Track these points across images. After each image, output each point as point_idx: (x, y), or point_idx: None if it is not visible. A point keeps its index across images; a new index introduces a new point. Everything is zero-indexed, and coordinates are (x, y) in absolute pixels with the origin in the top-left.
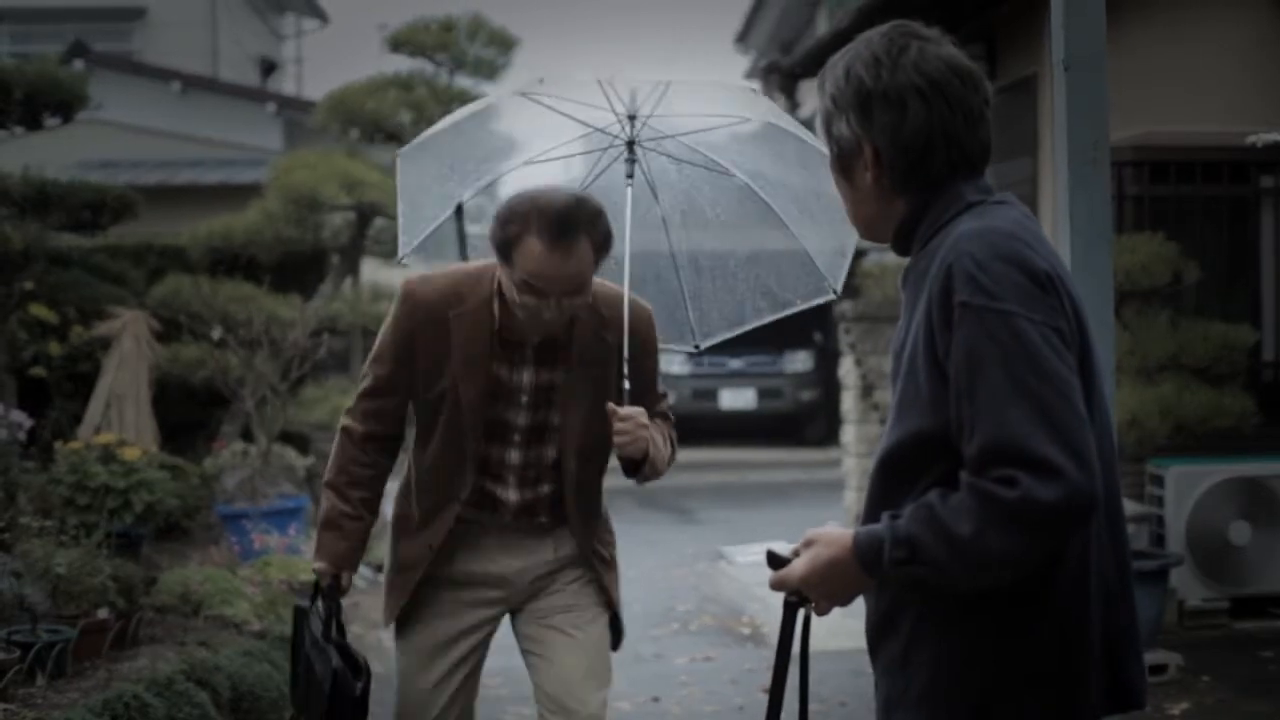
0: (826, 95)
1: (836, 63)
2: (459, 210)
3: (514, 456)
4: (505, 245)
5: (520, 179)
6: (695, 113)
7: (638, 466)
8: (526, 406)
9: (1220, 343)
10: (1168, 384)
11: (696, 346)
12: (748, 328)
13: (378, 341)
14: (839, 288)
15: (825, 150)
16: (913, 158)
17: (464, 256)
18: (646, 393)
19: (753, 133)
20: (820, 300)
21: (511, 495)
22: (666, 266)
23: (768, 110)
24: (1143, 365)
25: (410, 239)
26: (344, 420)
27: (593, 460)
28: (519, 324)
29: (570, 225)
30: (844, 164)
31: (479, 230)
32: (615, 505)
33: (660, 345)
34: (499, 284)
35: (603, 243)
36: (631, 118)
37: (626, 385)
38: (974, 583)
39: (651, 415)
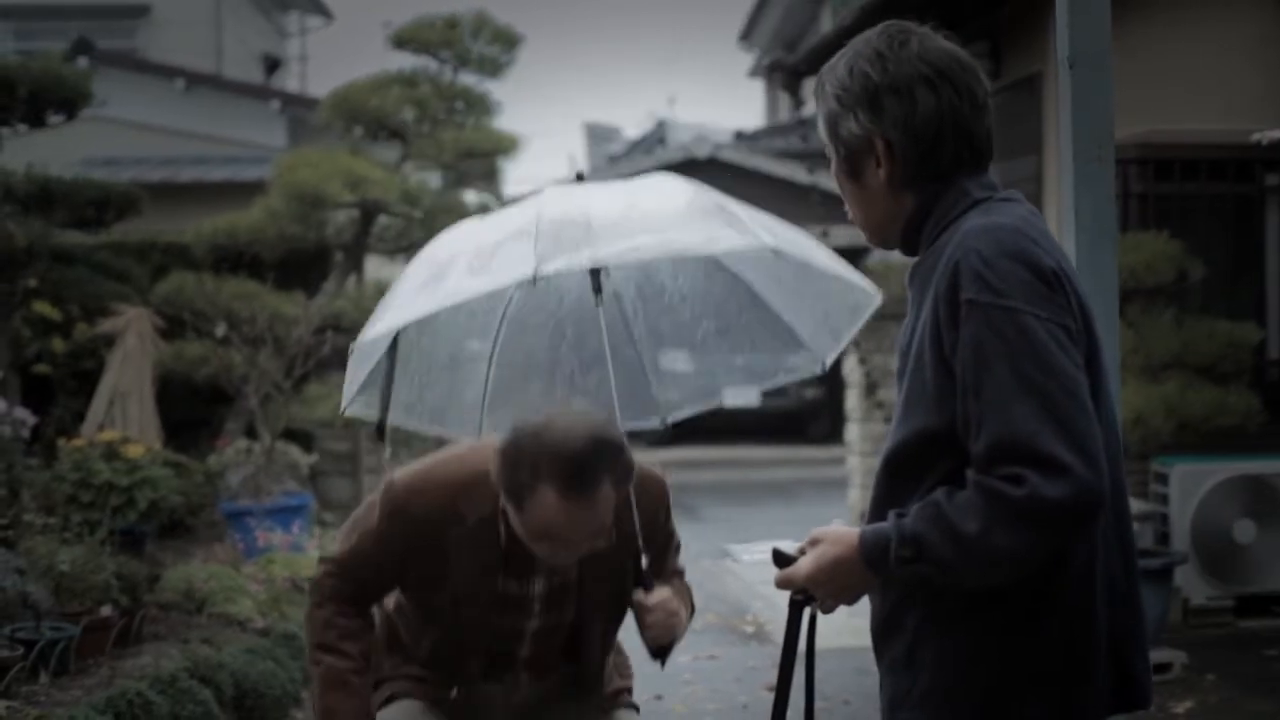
0: (830, 97)
1: (835, 65)
2: (394, 342)
3: (524, 650)
4: (516, 493)
5: (458, 293)
6: (668, 246)
7: (666, 651)
8: (539, 614)
9: (1225, 341)
10: (1172, 382)
11: (663, 421)
12: (725, 401)
13: (355, 540)
14: (828, 362)
15: (813, 244)
16: (924, 148)
17: (387, 387)
18: (663, 557)
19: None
20: (806, 374)
21: (522, 677)
22: (622, 340)
23: (758, 244)
24: (1147, 363)
25: (351, 389)
26: (311, 591)
27: (616, 631)
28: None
29: (590, 472)
30: (852, 165)
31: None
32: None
33: (623, 426)
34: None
35: (624, 478)
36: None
37: (645, 562)
38: (981, 581)
39: (668, 577)
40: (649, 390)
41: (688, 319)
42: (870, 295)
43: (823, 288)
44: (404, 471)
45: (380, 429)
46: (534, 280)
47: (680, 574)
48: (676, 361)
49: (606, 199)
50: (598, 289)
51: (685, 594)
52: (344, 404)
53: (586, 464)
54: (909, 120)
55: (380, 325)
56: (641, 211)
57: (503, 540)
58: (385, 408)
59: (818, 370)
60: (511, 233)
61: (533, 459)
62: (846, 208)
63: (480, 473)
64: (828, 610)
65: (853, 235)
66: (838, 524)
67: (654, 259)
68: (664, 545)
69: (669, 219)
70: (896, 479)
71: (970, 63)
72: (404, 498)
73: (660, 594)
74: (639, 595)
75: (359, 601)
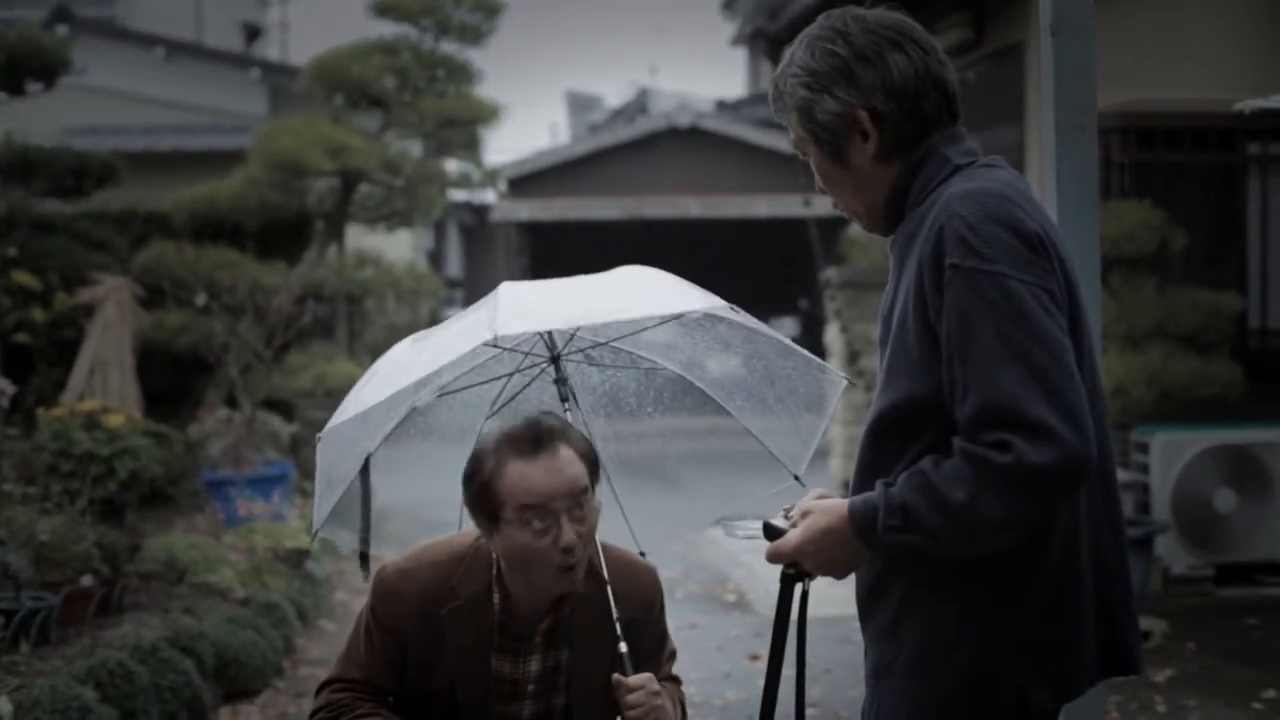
0: (797, 88)
1: (792, 60)
2: (366, 464)
3: None
4: (486, 493)
5: (435, 410)
6: (622, 312)
7: None
8: (532, 695)
9: (1207, 310)
10: (1154, 351)
11: (641, 554)
12: (704, 523)
13: (352, 640)
14: (801, 473)
15: (778, 337)
16: (908, 106)
17: (366, 515)
18: (653, 658)
19: (689, 323)
20: (780, 488)
21: None
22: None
23: (710, 304)
24: (1129, 333)
25: (322, 511)
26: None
27: None
28: (524, 608)
29: (543, 434)
30: (836, 148)
31: (386, 485)
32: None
33: None
34: (497, 568)
35: (587, 451)
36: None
37: (623, 648)
38: (970, 549)
39: (659, 680)
40: (625, 524)
41: (658, 448)
42: (836, 382)
43: (788, 387)
44: (392, 559)
45: (364, 559)
46: (495, 343)
47: (674, 681)
48: (648, 489)
49: (566, 283)
50: (564, 398)
51: (676, 697)
52: (315, 525)
53: (537, 427)
54: (887, 82)
55: (350, 410)
56: (601, 289)
57: (497, 614)
58: (366, 540)
59: (791, 483)
60: (471, 318)
61: (489, 449)
62: (836, 203)
63: (469, 548)
64: (812, 577)
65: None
66: (816, 491)
67: (613, 321)
68: (657, 646)
69: (631, 293)
70: (881, 446)
71: (917, 24)
72: (394, 580)
73: (642, 676)
74: (617, 676)
75: (370, 700)
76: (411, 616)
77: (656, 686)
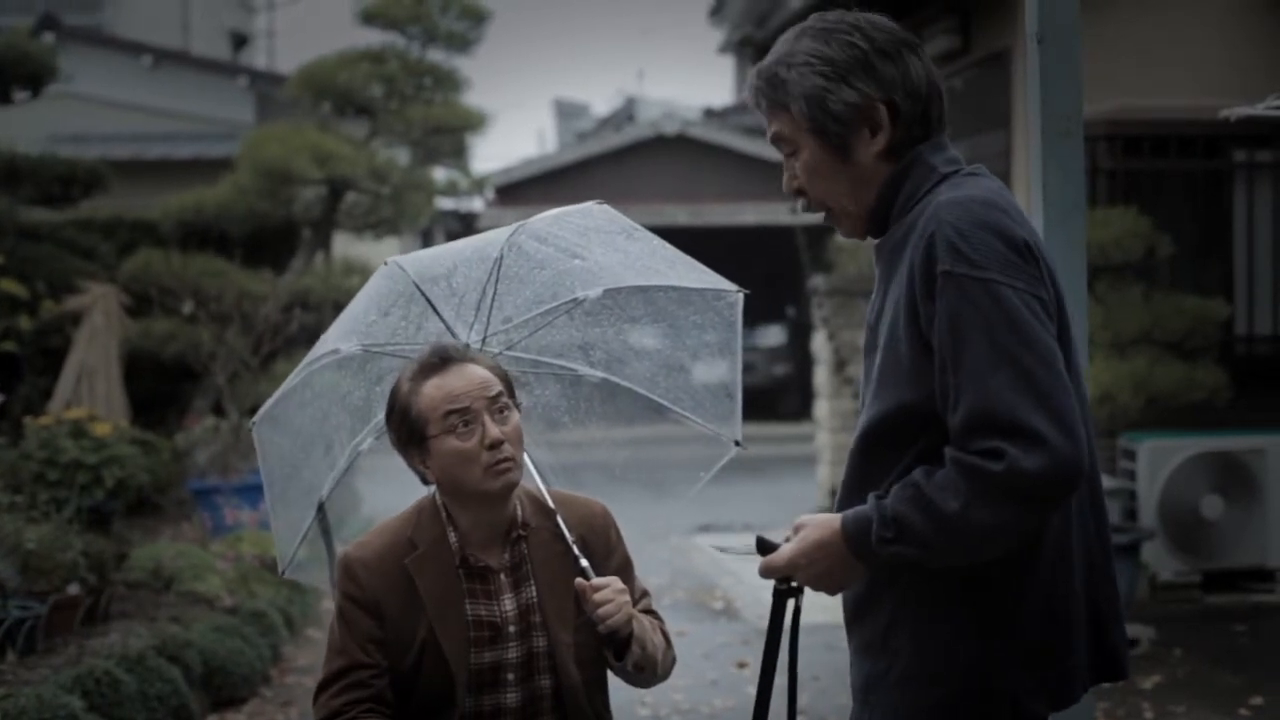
0: (810, 74)
1: (795, 49)
2: (321, 509)
3: (510, 700)
4: (408, 418)
5: (374, 454)
6: (526, 313)
7: (626, 645)
8: (515, 637)
9: (1193, 317)
10: (1140, 358)
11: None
12: (673, 524)
13: (330, 635)
14: (739, 436)
15: (672, 282)
16: (921, 106)
17: (331, 556)
18: (626, 580)
19: (592, 309)
20: (724, 460)
21: None
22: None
23: (604, 242)
24: (1115, 339)
25: (286, 552)
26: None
27: (594, 667)
28: (478, 541)
29: (451, 353)
30: (842, 141)
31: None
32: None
33: None
34: (445, 511)
35: (495, 368)
36: (465, 349)
37: (584, 562)
38: (964, 558)
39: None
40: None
41: (598, 456)
42: (733, 300)
43: (700, 340)
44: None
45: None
46: (389, 263)
47: (653, 615)
48: (608, 500)
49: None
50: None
51: (656, 625)
52: (280, 568)
53: (443, 349)
54: (906, 80)
55: (275, 398)
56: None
57: (456, 555)
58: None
59: (733, 451)
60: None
61: (407, 379)
62: (812, 205)
63: (415, 508)
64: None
65: None
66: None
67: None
68: (622, 575)
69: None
70: (873, 455)
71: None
72: (355, 553)
73: (605, 578)
74: (580, 580)
75: (365, 692)
76: (378, 578)
77: (621, 585)
